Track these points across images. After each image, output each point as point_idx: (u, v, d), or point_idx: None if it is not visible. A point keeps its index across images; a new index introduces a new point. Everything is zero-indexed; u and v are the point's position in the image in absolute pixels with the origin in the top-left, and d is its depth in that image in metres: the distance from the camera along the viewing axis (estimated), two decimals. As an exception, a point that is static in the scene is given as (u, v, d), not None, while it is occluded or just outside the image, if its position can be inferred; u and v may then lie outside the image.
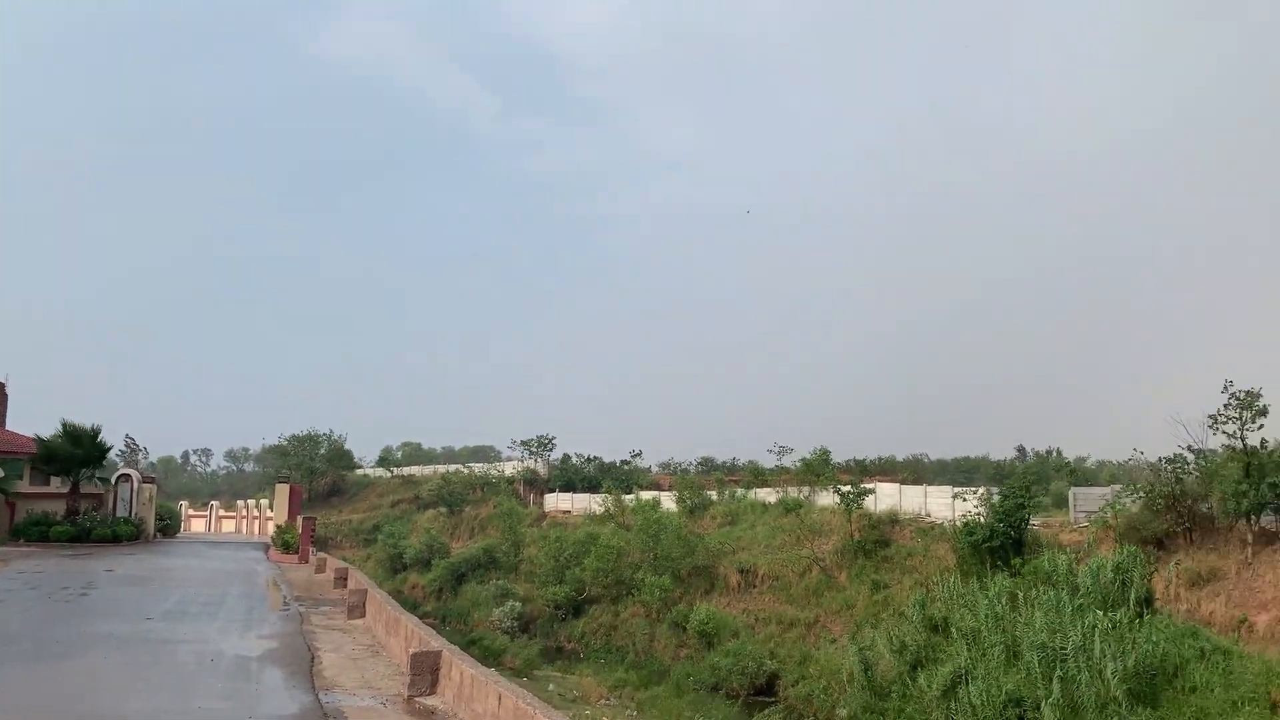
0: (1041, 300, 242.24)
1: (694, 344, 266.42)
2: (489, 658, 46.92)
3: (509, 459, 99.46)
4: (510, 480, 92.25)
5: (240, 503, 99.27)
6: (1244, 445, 32.87)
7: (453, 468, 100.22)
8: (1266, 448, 32.98)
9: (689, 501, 66.55)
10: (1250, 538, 32.41)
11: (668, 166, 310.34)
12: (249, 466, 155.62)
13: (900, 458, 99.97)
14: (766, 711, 35.10)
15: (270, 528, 69.36)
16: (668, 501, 67.57)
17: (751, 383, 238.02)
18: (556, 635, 55.31)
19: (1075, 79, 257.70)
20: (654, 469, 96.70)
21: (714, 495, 68.46)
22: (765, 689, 39.50)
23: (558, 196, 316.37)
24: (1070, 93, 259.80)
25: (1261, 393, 32.69)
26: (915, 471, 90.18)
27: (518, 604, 56.56)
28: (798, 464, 68.79)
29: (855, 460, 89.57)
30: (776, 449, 76.37)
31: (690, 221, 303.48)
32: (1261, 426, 33.08)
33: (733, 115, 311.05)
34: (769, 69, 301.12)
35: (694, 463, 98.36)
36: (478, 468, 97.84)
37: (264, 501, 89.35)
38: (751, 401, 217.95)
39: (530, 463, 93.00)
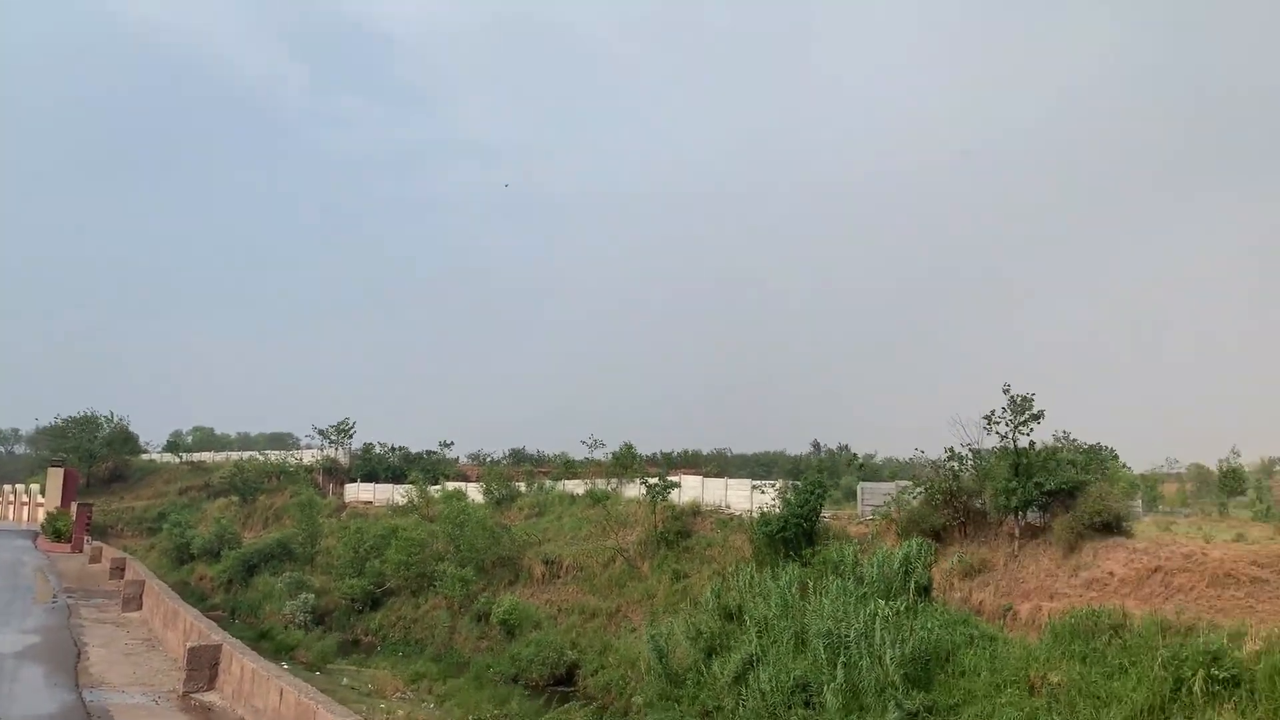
0: (841, 305, 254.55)
1: (510, 337, 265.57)
2: (280, 652, 45.10)
3: (308, 447, 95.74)
4: (309, 469, 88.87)
5: (8, 487, 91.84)
6: (1015, 446, 35.28)
7: (247, 455, 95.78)
8: (1035, 448, 35.49)
9: (496, 493, 66.06)
10: (1017, 532, 34.93)
11: (488, 152, 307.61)
12: (20, 449, 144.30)
13: (706, 451, 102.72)
14: (567, 706, 35.18)
15: (41, 514, 64.48)
16: (475, 493, 66.87)
17: (567, 376, 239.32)
18: (353, 629, 53.78)
19: (896, 95, 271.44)
20: (463, 460, 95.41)
21: (522, 487, 68.21)
22: (565, 679, 39.70)
23: (371, 176, 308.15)
24: (889, 108, 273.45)
25: (1034, 398, 35.14)
26: (719, 465, 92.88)
27: (312, 596, 54.60)
28: (609, 457, 69.42)
29: (663, 454, 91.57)
30: (591, 442, 76.78)
31: (506, 208, 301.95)
32: (1033, 430, 35.57)
33: (557, 104, 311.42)
34: (595, 60, 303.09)
35: (504, 454, 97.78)
36: (274, 455, 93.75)
37: (34, 487, 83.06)
38: (569, 396, 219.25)
39: (330, 451, 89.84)
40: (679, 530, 47.94)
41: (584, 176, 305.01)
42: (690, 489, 52.71)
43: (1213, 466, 69.29)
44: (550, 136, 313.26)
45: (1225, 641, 22.88)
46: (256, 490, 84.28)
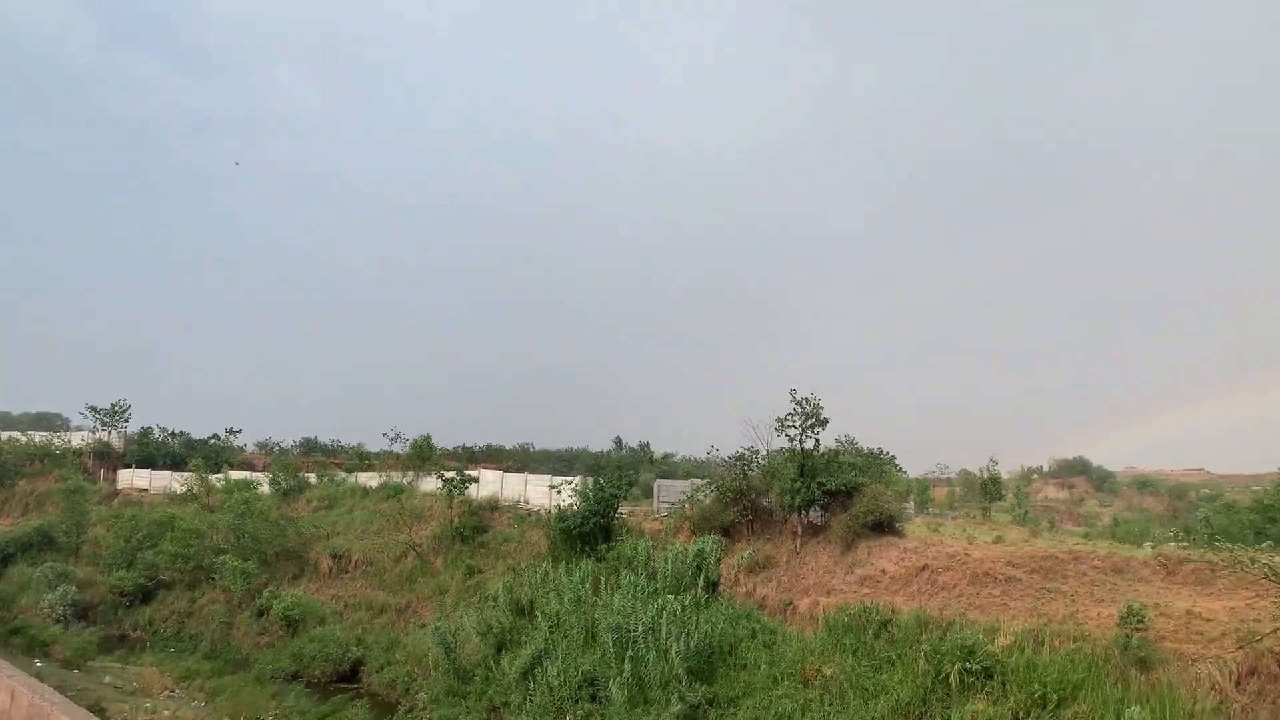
0: (647, 305, 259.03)
1: (306, 322, 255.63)
2: (33, 649, 41.81)
3: (79, 429, 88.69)
4: (78, 452, 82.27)
5: None
6: (802, 448, 36.79)
7: (7, 435, 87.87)
8: (820, 451, 37.11)
9: (284, 483, 63.29)
10: (800, 530, 36.47)
11: (291, 127, 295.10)
12: None
13: (509, 446, 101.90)
14: (352, 704, 34.11)
15: None
16: (262, 482, 63.86)
17: (368, 366, 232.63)
18: (121, 623, 50.27)
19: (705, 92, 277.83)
20: (251, 448, 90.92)
21: (313, 478, 65.66)
22: (350, 676, 38.49)
23: (164, 146, 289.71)
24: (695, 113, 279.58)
25: (820, 402, 36.73)
26: (521, 460, 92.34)
27: (74, 589, 50.62)
28: (408, 450, 67.72)
29: (464, 447, 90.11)
30: (390, 434, 74.53)
31: (307, 188, 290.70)
32: (819, 433, 37.18)
33: (363, 84, 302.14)
34: (407, 47, 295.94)
35: (295, 443, 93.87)
36: (39, 436, 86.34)
37: None
38: (369, 385, 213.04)
39: (104, 434, 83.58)
40: (475, 525, 47.42)
41: (386, 162, 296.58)
42: (490, 484, 52.24)
43: (979, 472, 74.45)
44: (358, 120, 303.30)
45: (980, 636, 24.63)
46: (15, 474, 77.40)
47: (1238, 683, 23.02)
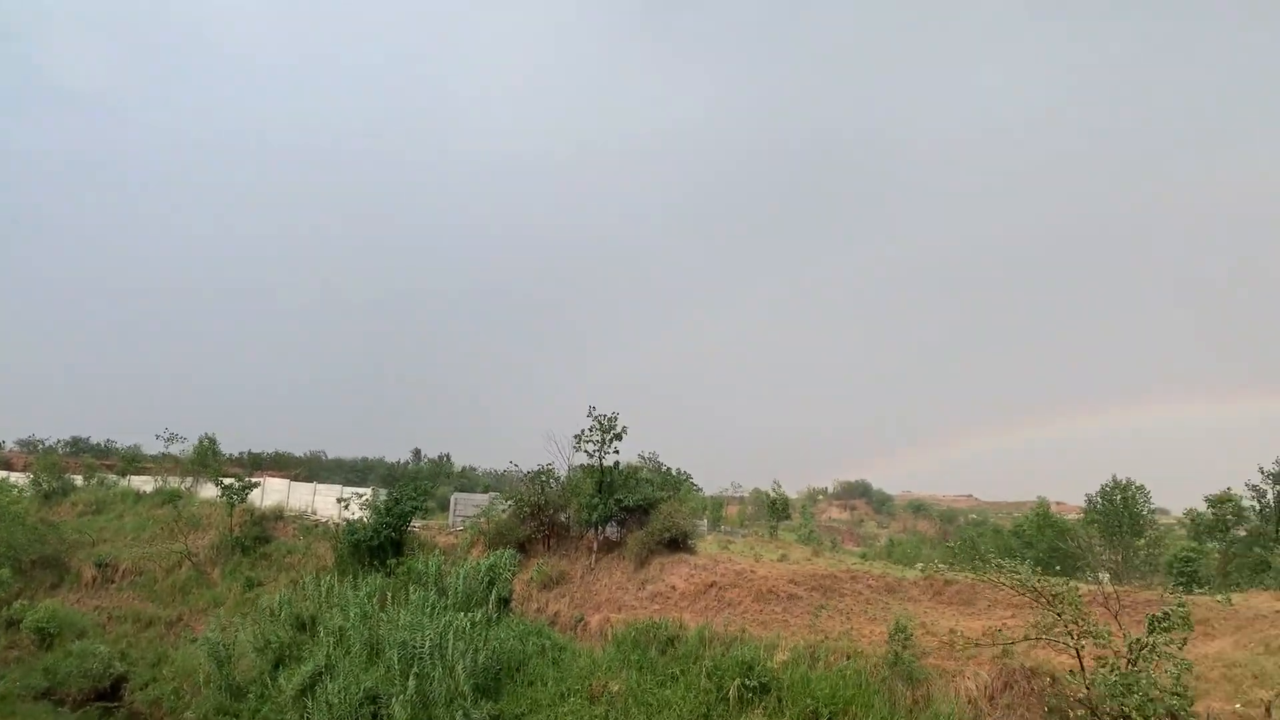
0: (455, 313, 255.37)
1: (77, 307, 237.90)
2: None
3: None
4: None
5: None
6: (600, 464, 37.08)
7: None
8: (618, 467, 37.53)
9: (46, 485, 58.41)
10: (596, 546, 36.71)
11: (80, 100, 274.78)
12: None
13: (299, 454, 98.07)
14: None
15: None
16: (20, 483, 58.69)
17: (147, 361, 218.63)
18: None
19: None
20: (10, 446, 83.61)
21: (79, 480, 60.95)
22: (110, 693, 35.80)
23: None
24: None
25: (618, 418, 37.14)
26: (311, 468, 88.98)
27: None
28: (187, 453, 63.81)
29: (250, 453, 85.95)
30: (166, 435, 69.90)
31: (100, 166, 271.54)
32: (617, 449, 37.56)
33: (159, 55, 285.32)
34: (209, 21, 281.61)
35: (63, 442, 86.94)
36: None
37: None
38: (147, 382, 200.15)
39: None
40: (258, 536, 45.25)
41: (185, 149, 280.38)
42: (276, 492, 50.05)
43: (769, 492, 77.41)
44: (158, 104, 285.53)
45: (760, 652, 25.44)
46: None
47: (991, 697, 24.74)
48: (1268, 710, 22.43)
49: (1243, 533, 58.42)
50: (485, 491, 49.39)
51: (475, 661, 27.31)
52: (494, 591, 32.93)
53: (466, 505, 44.58)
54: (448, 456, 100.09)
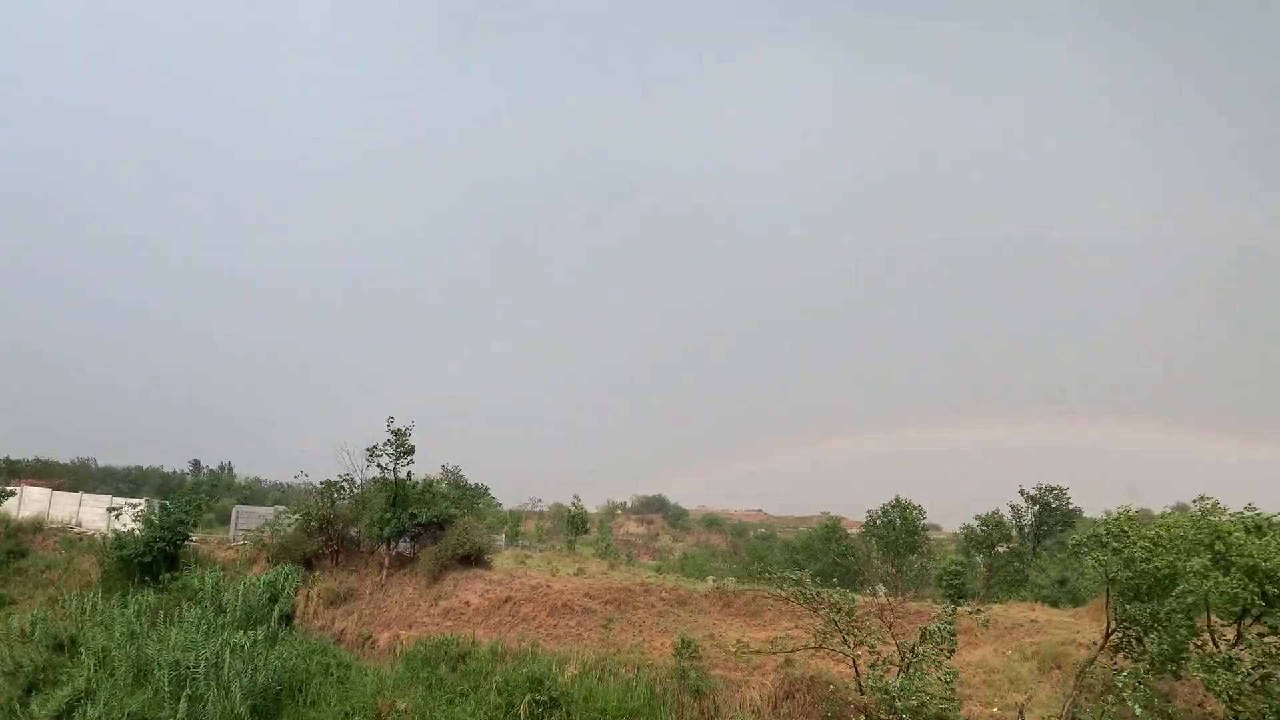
0: (243, 315, 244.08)
1: None
2: None
3: None
4: None
5: None
6: (395, 477, 36.25)
7: None
8: (413, 481, 36.78)
9: None
10: (387, 561, 35.81)
11: None
12: None
13: (64, 461, 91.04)
14: None
15: None
16: None
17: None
18: None
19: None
20: None
21: None
22: None
23: None
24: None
25: (411, 432, 36.40)
26: (78, 477, 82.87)
27: None
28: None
29: (8, 460, 79.43)
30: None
31: None
32: (411, 463, 36.80)
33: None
34: None
35: None
36: None
37: None
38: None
39: None
40: (12, 549, 41.55)
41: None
42: (35, 502, 46.21)
43: (569, 507, 77.84)
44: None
45: (552, 667, 25.53)
46: None
47: (775, 705, 25.76)
48: (1020, 713, 24.38)
49: (1003, 549, 63.44)
50: (273, 504, 47.22)
51: (254, 682, 26.08)
52: (276, 608, 31.59)
53: (250, 518, 42.50)
54: (229, 466, 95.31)
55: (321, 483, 37.70)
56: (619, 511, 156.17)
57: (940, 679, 22.05)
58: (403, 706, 25.60)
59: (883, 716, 22.40)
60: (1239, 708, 21.84)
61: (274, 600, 31.85)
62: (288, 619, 31.82)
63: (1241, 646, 22.39)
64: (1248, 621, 22.76)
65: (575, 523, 57.49)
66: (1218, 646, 22.85)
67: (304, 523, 37.01)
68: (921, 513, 70.29)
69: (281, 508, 40.41)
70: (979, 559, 64.16)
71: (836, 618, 23.75)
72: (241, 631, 28.62)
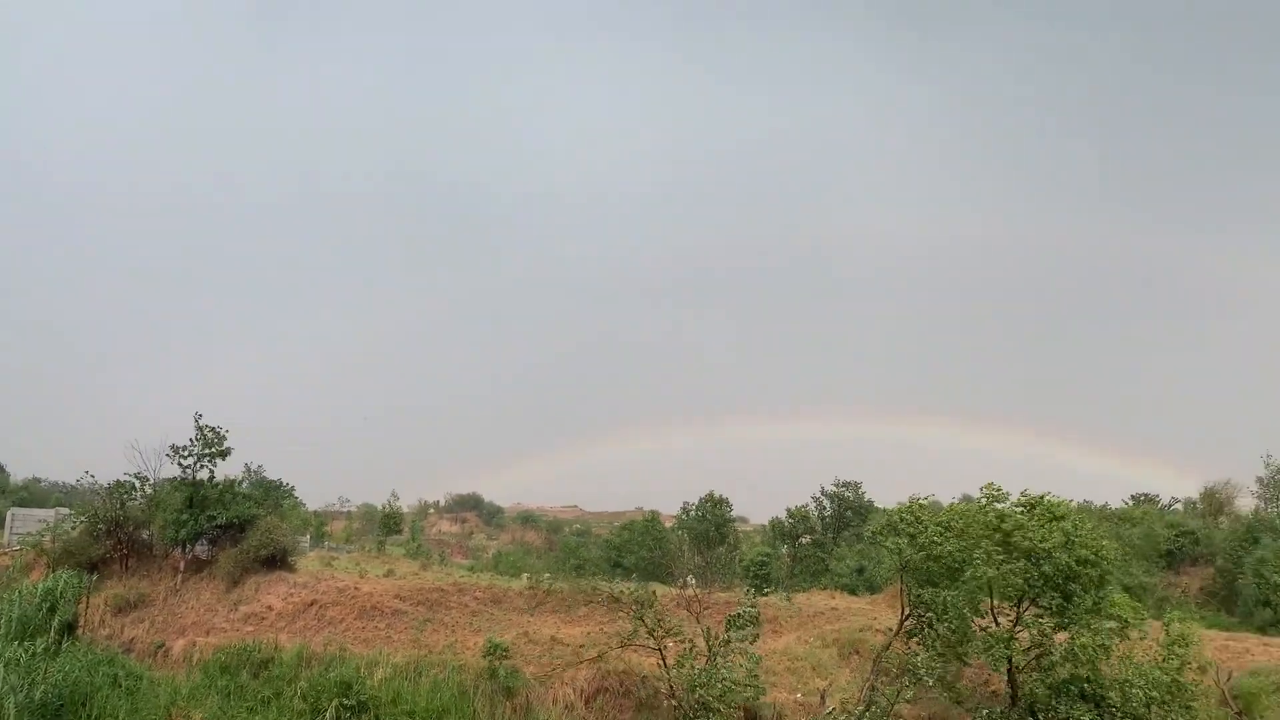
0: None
1: None
2: None
3: None
4: None
5: None
6: (194, 478, 34.41)
7: None
8: (214, 482, 34.96)
9: None
10: (183, 565, 33.97)
11: None
12: None
13: None
14: None
15: None
16: None
17: None
18: None
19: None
20: None
21: None
22: None
23: None
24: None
25: (226, 431, 34.73)
26: None
27: None
28: None
29: None
30: None
31: None
32: (217, 464, 34.97)
33: None
34: None
35: None
36: None
37: None
38: None
39: None
40: None
41: None
42: None
43: (381, 507, 76.09)
44: None
45: (361, 670, 24.96)
46: None
47: (588, 701, 26.02)
48: (823, 698, 25.58)
49: (806, 540, 66.40)
50: (57, 506, 43.93)
51: (31, 697, 24.24)
52: (56, 617, 29.43)
53: (28, 521, 39.41)
54: (2, 467, 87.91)
55: (110, 483, 35.34)
56: (431, 510, 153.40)
57: (745, 665, 22.92)
58: (198, 717, 24.55)
59: (691, 703, 23.08)
60: (1017, 683, 23.77)
61: (54, 609, 29.64)
62: (70, 628, 29.75)
63: (1020, 627, 24.39)
64: (1025, 604, 24.77)
65: (387, 522, 56.28)
66: (999, 625, 24.81)
67: (90, 525, 34.57)
68: (728, 505, 72.80)
69: (65, 510, 37.62)
70: (784, 549, 67.04)
71: (642, 613, 24.29)
72: (17, 643, 26.50)
